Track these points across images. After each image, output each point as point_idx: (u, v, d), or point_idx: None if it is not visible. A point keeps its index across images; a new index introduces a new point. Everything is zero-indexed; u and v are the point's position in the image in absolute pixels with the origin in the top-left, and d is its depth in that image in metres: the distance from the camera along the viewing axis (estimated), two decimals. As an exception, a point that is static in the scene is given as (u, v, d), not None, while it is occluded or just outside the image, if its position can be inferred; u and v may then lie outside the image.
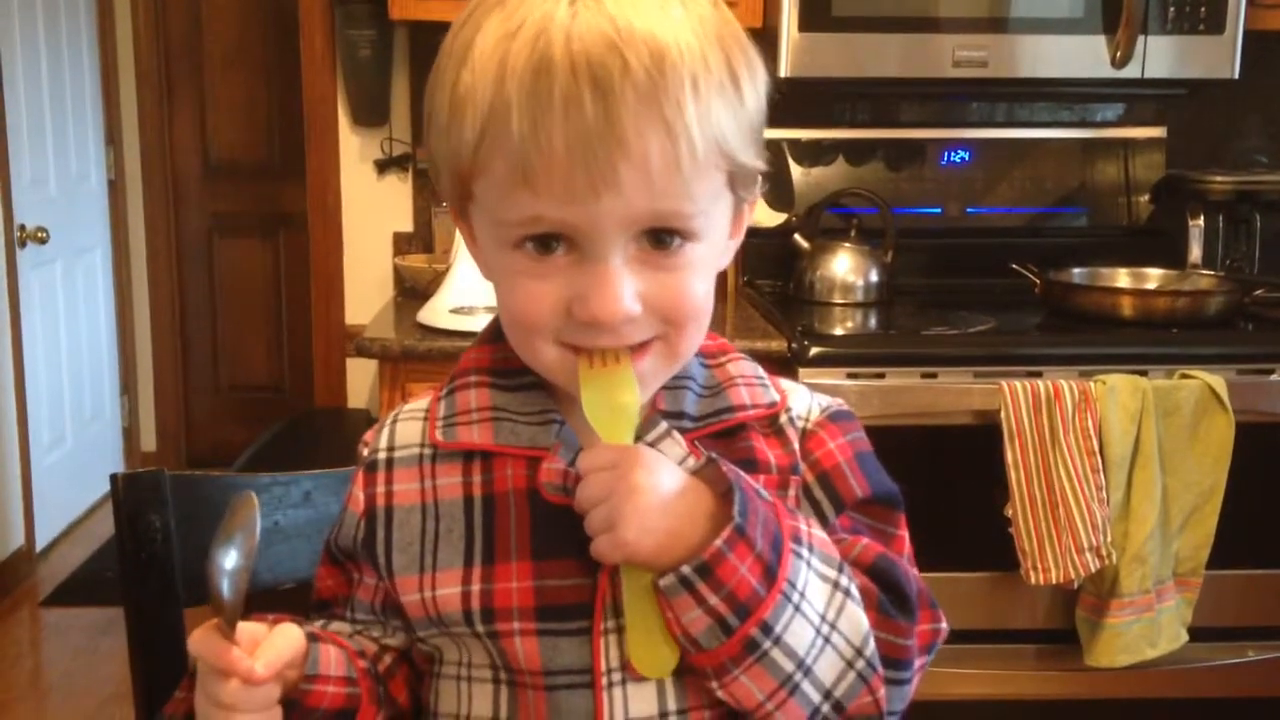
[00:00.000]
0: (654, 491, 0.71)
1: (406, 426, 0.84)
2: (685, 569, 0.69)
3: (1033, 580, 2.00)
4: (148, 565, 1.07)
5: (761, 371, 0.85)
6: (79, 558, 3.71)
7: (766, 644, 0.70)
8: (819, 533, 0.75)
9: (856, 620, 0.73)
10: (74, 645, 3.17)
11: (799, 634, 0.71)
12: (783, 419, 0.82)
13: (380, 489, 0.82)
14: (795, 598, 0.71)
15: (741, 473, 0.74)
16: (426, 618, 0.78)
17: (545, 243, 0.72)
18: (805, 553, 0.72)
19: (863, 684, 0.73)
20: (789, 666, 0.71)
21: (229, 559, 0.70)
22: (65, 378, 3.91)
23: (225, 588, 0.69)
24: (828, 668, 0.72)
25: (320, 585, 0.88)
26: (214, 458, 4.41)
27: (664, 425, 0.77)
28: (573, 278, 0.72)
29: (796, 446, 0.81)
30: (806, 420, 0.83)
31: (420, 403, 0.85)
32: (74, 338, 3.99)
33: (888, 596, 0.75)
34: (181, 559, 1.09)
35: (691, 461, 0.76)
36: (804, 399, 0.85)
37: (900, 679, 0.75)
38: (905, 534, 0.83)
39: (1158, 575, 2.03)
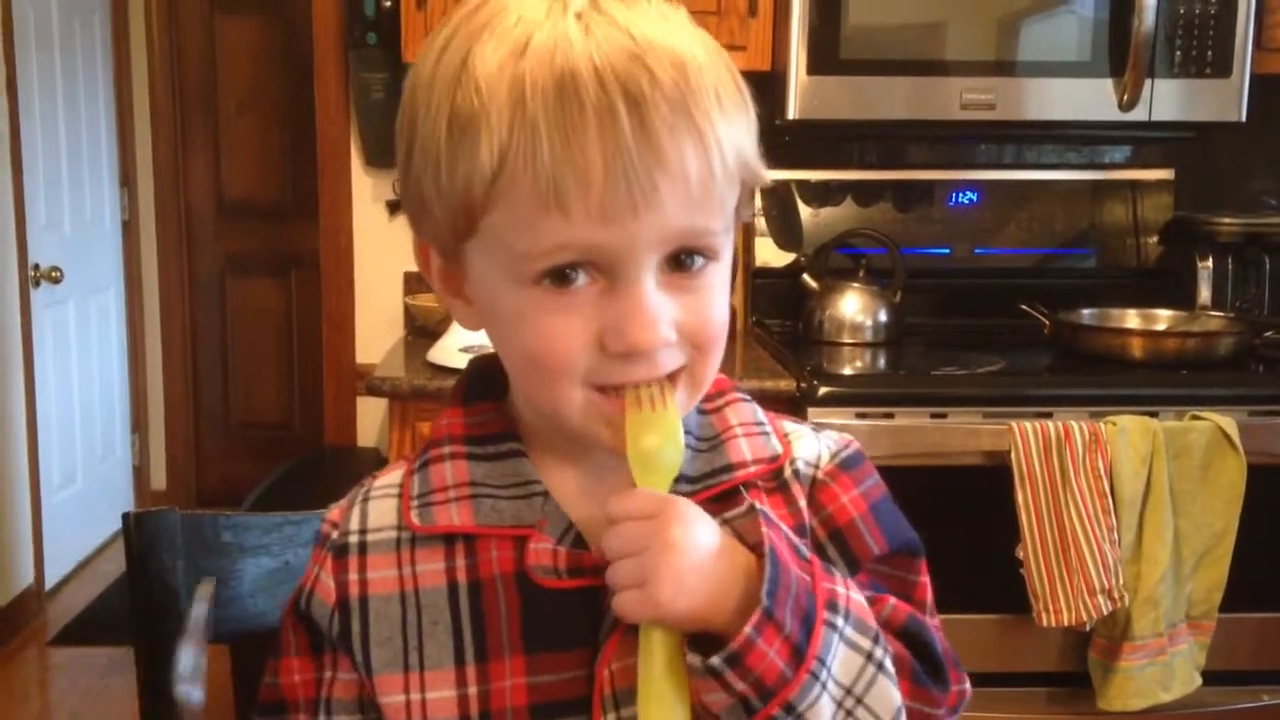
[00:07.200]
0: (692, 551, 0.66)
1: (379, 505, 0.77)
2: (715, 660, 0.64)
3: (1044, 622, 1.98)
4: (158, 605, 1.07)
5: (762, 415, 0.79)
6: (88, 597, 3.71)
7: None
8: (857, 596, 0.70)
9: (888, 696, 0.68)
10: (82, 685, 3.16)
11: (822, 710, 0.66)
12: (787, 472, 0.77)
13: (353, 576, 0.75)
14: (823, 675, 0.66)
15: (781, 527, 0.69)
16: None
17: (563, 275, 0.66)
18: (840, 621, 0.68)
19: None
20: None
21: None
22: (77, 416, 3.93)
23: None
24: None
25: (285, 681, 0.78)
26: (224, 496, 4.42)
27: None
28: (601, 308, 0.66)
29: (804, 504, 0.76)
30: (816, 468, 0.77)
31: (392, 477, 0.78)
32: (86, 377, 4.00)
33: (922, 665, 0.72)
34: (191, 599, 1.09)
35: (730, 511, 0.70)
36: (811, 445, 0.78)
37: None
38: (926, 581, 0.79)
39: (1170, 618, 2.02)
